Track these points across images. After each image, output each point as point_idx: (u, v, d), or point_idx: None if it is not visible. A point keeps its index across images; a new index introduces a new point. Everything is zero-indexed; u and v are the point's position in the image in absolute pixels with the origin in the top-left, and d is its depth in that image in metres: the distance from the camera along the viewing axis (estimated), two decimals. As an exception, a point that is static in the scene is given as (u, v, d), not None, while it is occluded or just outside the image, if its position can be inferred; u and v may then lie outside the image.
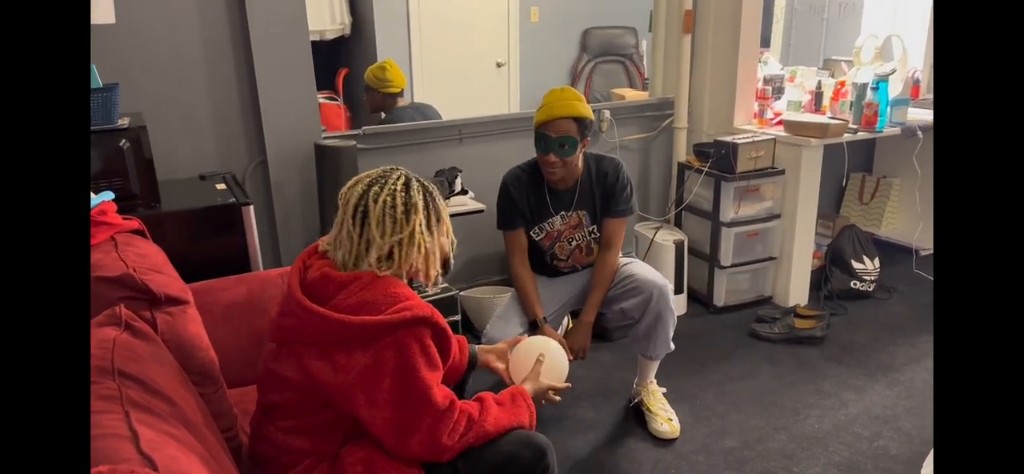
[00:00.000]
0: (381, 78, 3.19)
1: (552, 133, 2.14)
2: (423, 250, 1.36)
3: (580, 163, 2.27)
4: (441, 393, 1.32)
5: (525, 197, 2.30)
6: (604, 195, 2.30)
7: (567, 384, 1.70)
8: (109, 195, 1.67)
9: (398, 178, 1.36)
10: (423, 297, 2.82)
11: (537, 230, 2.34)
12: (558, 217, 2.32)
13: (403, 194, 1.34)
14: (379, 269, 1.33)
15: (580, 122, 2.15)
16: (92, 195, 1.66)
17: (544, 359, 1.66)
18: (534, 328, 2.22)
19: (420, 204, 1.36)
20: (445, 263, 1.46)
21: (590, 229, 2.34)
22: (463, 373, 1.69)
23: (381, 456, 1.32)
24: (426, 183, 1.41)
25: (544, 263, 2.40)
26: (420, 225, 1.35)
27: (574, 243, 2.36)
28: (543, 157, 2.19)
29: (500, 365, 1.75)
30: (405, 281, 1.37)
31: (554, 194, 2.30)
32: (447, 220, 1.44)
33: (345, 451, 1.33)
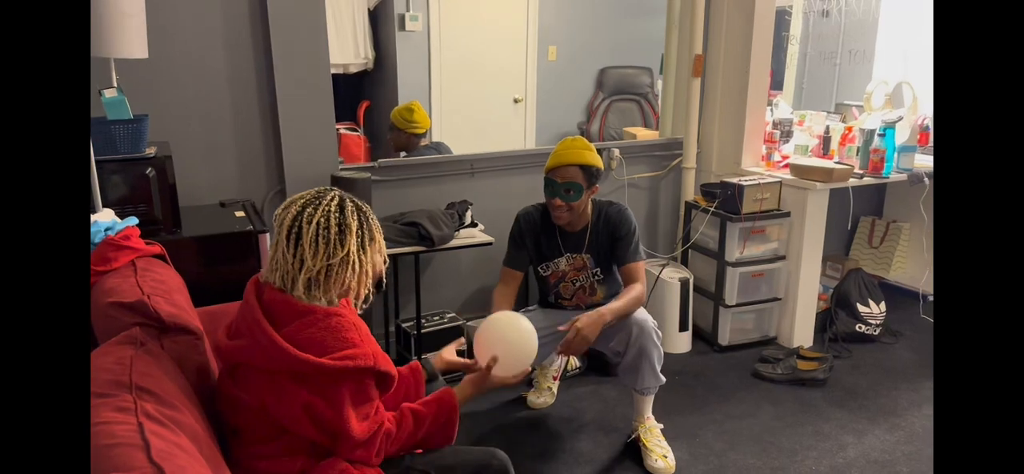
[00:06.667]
0: (408, 120, 3.32)
1: (559, 179, 2.26)
2: (356, 271, 1.37)
3: (589, 209, 2.37)
4: (367, 427, 1.38)
5: (535, 235, 2.41)
6: (611, 243, 2.39)
7: (526, 369, 1.67)
8: (133, 220, 1.77)
9: (332, 199, 1.36)
10: (430, 327, 2.90)
11: (544, 267, 2.46)
12: (565, 258, 2.42)
13: (337, 215, 1.34)
14: (308, 293, 1.34)
15: (586, 170, 2.26)
16: (118, 220, 1.77)
17: (498, 358, 1.62)
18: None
19: (354, 225, 1.36)
20: (378, 283, 1.47)
21: (594, 272, 2.43)
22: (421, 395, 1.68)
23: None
24: (360, 204, 1.41)
25: (548, 302, 2.51)
26: (354, 246, 1.35)
27: (578, 284, 2.46)
28: (550, 201, 2.31)
29: (458, 359, 1.76)
30: (350, 312, 1.39)
31: (564, 235, 2.41)
32: (380, 240, 1.45)
33: (315, 471, 1.37)
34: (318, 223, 1.33)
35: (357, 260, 1.36)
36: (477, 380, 1.63)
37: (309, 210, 1.34)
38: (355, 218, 1.37)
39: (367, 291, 1.43)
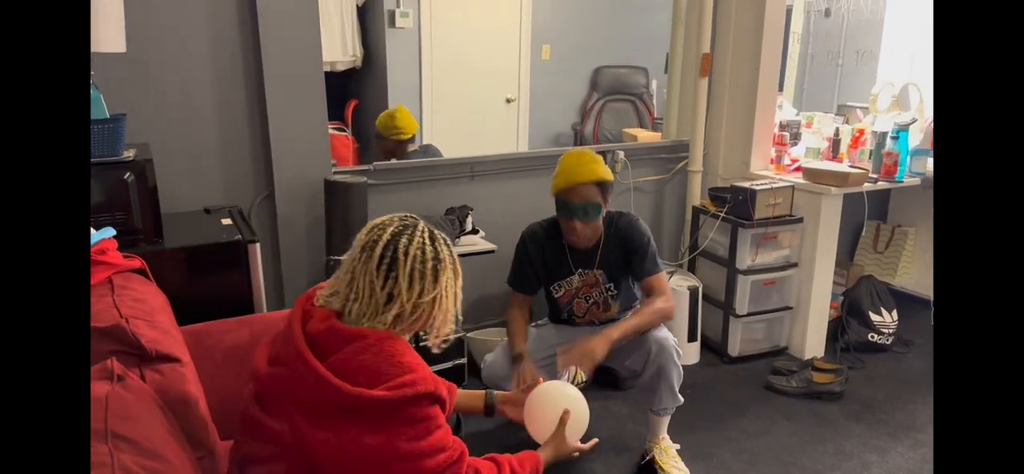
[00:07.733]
0: (391, 126, 3.14)
1: (576, 200, 2.12)
2: (445, 309, 1.27)
3: (600, 222, 2.23)
4: (444, 458, 1.23)
5: (541, 255, 2.28)
6: (626, 257, 2.25)
7: (594, 441, 1.66)
8: (110, 232, 1.60)
9: (422, 230, 1.26)
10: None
11: (556, 287, 2.32)
12: (577, 275, 2.29)
13: (431, 248, 1.24)
14: (394, 328, 1.23)
15: (601, 185, 2.13)
16: (93, 231, 1.59)
17: (568, 417, 1.58)
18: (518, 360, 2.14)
19: (448, 260, 1.27)
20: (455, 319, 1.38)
21: (607, 287, 2.30)
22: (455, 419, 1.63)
23: None
24: (442, 235, 1.31)
25: (560, 319, 2.38)
26: (446, 283, 1.26)
27: (591, 300, 2.33)
28: (567, 223, 2.17)
29: (517, 414, 1.68)
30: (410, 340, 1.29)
31: (574, 252, 2.27)
32: (460, 274, 1.35)
33: None
34: (415, 256, 1.22)
35: (446, 298, 1.27)
36: (556, 441, 1.56)
37: (404, 241, 1.23)
38: (447, 251, 1.28)
39: (450, 328, 1.33)
